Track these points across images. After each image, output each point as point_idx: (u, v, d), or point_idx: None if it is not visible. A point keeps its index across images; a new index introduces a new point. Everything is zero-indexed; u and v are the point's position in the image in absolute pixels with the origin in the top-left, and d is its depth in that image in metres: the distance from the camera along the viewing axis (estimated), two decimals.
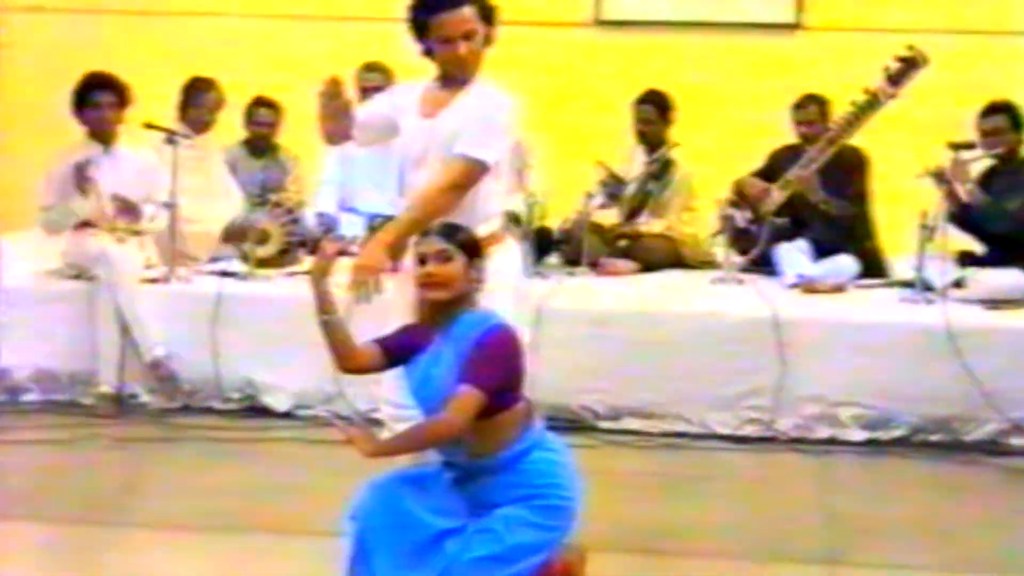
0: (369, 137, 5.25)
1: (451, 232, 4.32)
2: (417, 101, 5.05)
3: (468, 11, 4.90)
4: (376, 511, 4.26)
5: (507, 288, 4.85)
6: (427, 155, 4.96)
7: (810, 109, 8.13)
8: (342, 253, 4.63)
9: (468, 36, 4.91)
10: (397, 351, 4.38)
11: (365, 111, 5.23)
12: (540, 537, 4.19)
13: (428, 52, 5.01)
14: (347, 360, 4.41)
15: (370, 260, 4.76)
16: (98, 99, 7.65)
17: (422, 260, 4.29)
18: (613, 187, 8.46)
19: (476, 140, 4.84)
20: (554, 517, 4.22)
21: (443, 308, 4.30)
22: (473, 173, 4.85)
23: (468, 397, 4.10)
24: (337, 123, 5.13)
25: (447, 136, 4.90)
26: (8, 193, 9.28)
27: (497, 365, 4.19)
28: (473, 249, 4.33)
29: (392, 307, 4.90)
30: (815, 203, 7.95)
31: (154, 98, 8.12)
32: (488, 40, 4.99)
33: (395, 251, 4.83)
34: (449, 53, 4.90)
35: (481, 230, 4.64)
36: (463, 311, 4.29)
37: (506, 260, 4.92)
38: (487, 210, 4.93)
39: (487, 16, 4.96)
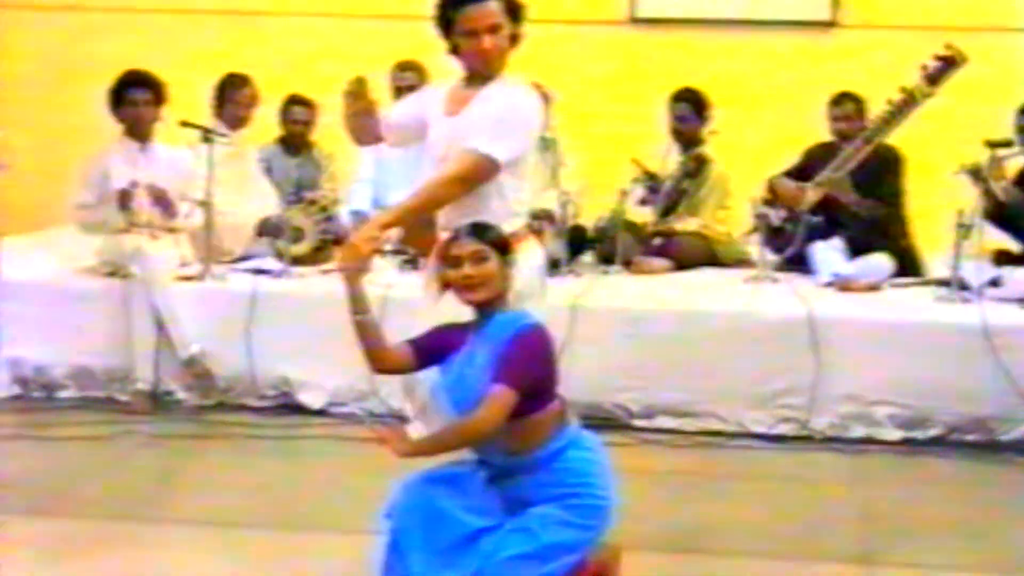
0: (399, 138, 5.23)
1: (482, 232, 4.33)
2: (442, 100, 5.03)
3: (494, 5, 4.87)
4: (411, 509, 4.27)
5: (532, 289, 4.84)
6: (449, 153, 4.93)
7: (847, 107, 8.09)
8: (376, 252, 4.62)
9: (493, 29, 4.87)
10: (430, 352, 4.39)
11: (395, 112, 5.22)
12: (575, 536, 4.20)
13: (454, 50, 4.98)
14: (379, 361, 4.42)
15: (362, 240, 4.76)
16: (135, 97, 7.68)
17: (456, 263, 4.29)
18: (648, 185, 8.44)
19: (489, 136, 4.78)
20: (589, 516, 4.22)
21: (477, 308, 4.30)
22: (482, 168, 4.78)
23: (501, 397, 4.10)
24: (361, 123, 5.14)
25: (466, 133, 4.87)
26: (8, 193, 9.32)
27: (530, 365, 4.20)
28: (504, 247, 4.34)
29: (421, 308, 4.91)
30: (846, 205, 7.91)
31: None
32: (514, 39, 4.95)
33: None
34: (474, 46, 4.86)
35: (504, 229, 4.63)
36: (497, 311, 4.29)
37: (529, 260, 4.89)
38: (510, 209, 4.90)
39: (513, 13, 4.92)
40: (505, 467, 4.29)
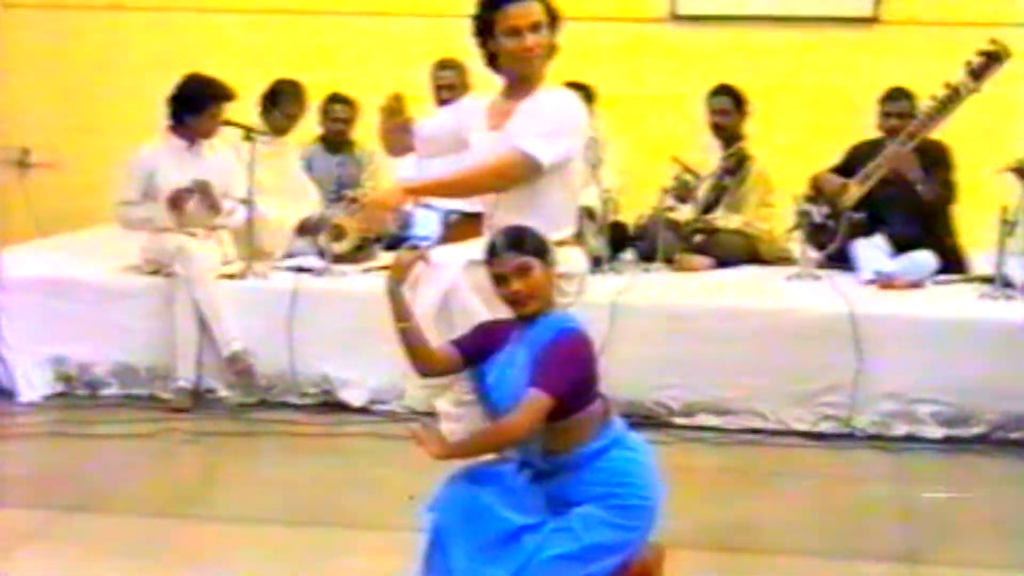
0: (431, 150, 5.21)
1: (520, 243, 4.29)
2: (484, 114, 5.01)
3: (536, 4, 4.85)
4: (454, 505, 4.27)
5: (573, 295, 4.85)
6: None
7: (901, 103, 8.02)
8: (420, 259, 4.63)
9: (536, 28, 4.83)
10: (473, 352, 4.39)
11: (430, 124, 5.20)
12: (618, 537, 4.19)
13: (492, 61, 4.96)
14: (425, 364, 4.43)
15: (385, 197, 4.75)
16: (212, 110, 7.61)
17: (502, 280, 4.28)
18: (684, 184, 8.40)
19: (535, 136, 4.76)
20: (632, 517, 4.21)
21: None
22: (522, 166, 4.76)
23: (536, 401, 4.09)
24: (397, 139, 5.14)
25: (511, 142, 4.84)
26: (54, 191, 9.40)
27: (567, 369, 4.18)
28: (543, 250, 4.32)
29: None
30: (911, 182, 7.82)
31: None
32: (551, 50, 4.95)
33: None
34: (516, 46, 4.82)
35: (552, 238, 4.61)
36: (543, 313, 4.29)
37: (569, 268, 4.85)
38: (560, 220, 4.89)
39: (552, 21, 4.90)
40: (546, 467, 4.29)
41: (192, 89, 7.68)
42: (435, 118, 5.32)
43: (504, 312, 4.42)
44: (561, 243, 4.75)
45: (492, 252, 4.31)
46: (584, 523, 4.17)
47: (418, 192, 4.86)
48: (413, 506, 4.40)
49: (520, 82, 4.93)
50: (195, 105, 7.66)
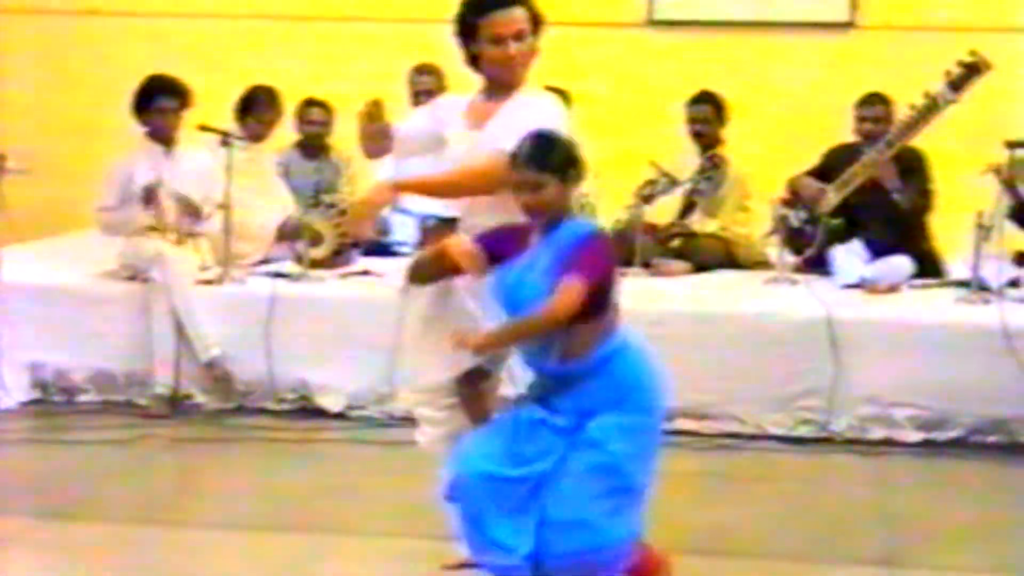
0: (408, 150, 5.21)
1: (541, 158, 4.38)
2: (463, 113, 5.00)
3: (520, 12, 4.84)
4: (472, 487, 4.33)
5: None
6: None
7: (877, 108, 8.04)
8: (382, 207, 4.72)
9: (519, 36, 4.84)
10: (496, 251, 4.44)
11: (406, 126, 5.19)
12: (638, 443, 4.31)
13: (473, 61, 4.95)
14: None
15: (372, 195, 4.77)
16: (162, 105, 7.70)
17: (518, 187, 4.39)
18: (652, 182, 8.36)
19: (517, 139, 4.70)
20: (646, 421, 4.33)
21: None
22: (506, 169, 4.67)
23: (573, 286, 4.20)
24: (377, 143, 5.15)
25: (493, 144, 4.79)
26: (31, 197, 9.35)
27: (598, 261, 4.32)
28: (566, 166, 4.39)
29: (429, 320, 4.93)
30: (889, 190, 7.84)
31: None
32: (534, 51, 4.95)
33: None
34: (499, 54, 4.82)
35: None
36: (564, 220, 4.39)
37: None
38: None
39: (536, 23, 4.91)
40: (559, 374, 4.32)
41: (141, 88, 7.75)
42: (411, 118, 5.31)
43: (496, 318, 4.50)
44: None
45: (515, 159, 4.41)
46: (604, 432, 4.27)
47: (405, 189, 4.86)
48: (390, 511, 4.42)
49: (500, 84, 4.94)
50: (143, 103, 7.72)
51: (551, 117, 4.86)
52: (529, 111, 4.83)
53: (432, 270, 4.64)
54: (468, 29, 4.90)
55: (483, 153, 4.79)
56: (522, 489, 4.29)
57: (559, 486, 4.28)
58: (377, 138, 5.14)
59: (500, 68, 4.89)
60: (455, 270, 4.54)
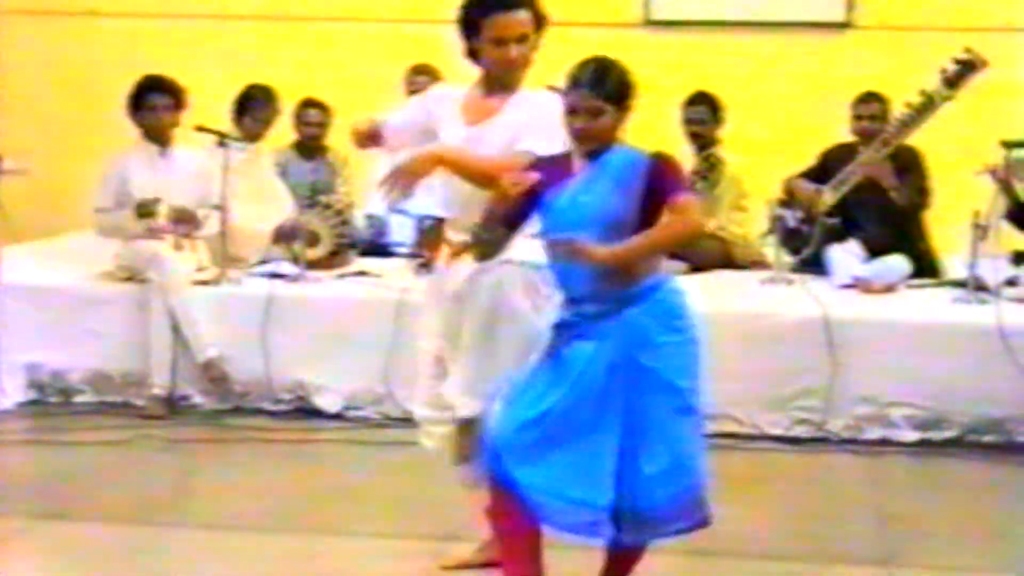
0: (401, 142, 5.19)
1: (602, 83, 4.37)
2: (459, 108, 4.99)
3: (524, 14, 4.85)
4: (524, 439, 4.29)
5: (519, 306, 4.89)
6: None
7: (873, 106, 8.04)
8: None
9: (521, 40, 4.84)
10: (536, 201, 4.41)
11: (397, 117, 5.20)
12: (695, 372, 4.44)
13: (473, 54, 4.95)
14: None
15: (416, 165, 4.78)
16: (154, 102, 7.70)
17: (572, 112, 4.37)
18: None
19: (541, 136, 4.71)
20: (696, 350, 4.45)
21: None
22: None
23: (690, 200, 4.35)
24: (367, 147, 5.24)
25: (498, 147, 4.82)
26: (28, 197, 9.35)
27: (681, 176, 4.46)
28: (624, 94, 4.42)
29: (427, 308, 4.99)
30: (886, 189, 7.84)
31: None
32: (533, 51, 4.96)
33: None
34: (501, 55, 4.83)
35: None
36: (614, 146, 4.40)
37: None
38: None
39: (539, 23, 4.91)
40: (612, 299, 4.31)
41: (135, 87, 7.76)
42: (404, 110, 5.31)
43: (544, 321, 4.56)
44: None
45: (574, 82, 4.38)
46: (671, 372, 4.34)
47: (448, 164, 4.84)
48: (388, 512, 4.42)
49: (499, 82, 4.94)
50: (136, 102, 7.73)
51: (555, 113, 4.86)
52: (533, 108, 4.84)
53: (498, 231, 4.54)
54: (471, 24, 4.90)
55: (509, 152, 4.76)
56: (575, 422, 4.27)
57: (648, 438, 4.29)
58: (370, 145, 5.17)
59: (500, 69, 4.90)
60: (517, 210, 4.47)
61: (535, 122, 4.79)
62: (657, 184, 4.30)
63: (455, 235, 4.95)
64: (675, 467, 4.33)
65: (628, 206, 4.31)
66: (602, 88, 4.35)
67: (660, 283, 4.40)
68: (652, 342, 4.33)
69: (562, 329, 4.41)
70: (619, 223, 4.30)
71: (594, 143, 4.38)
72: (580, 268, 4.30)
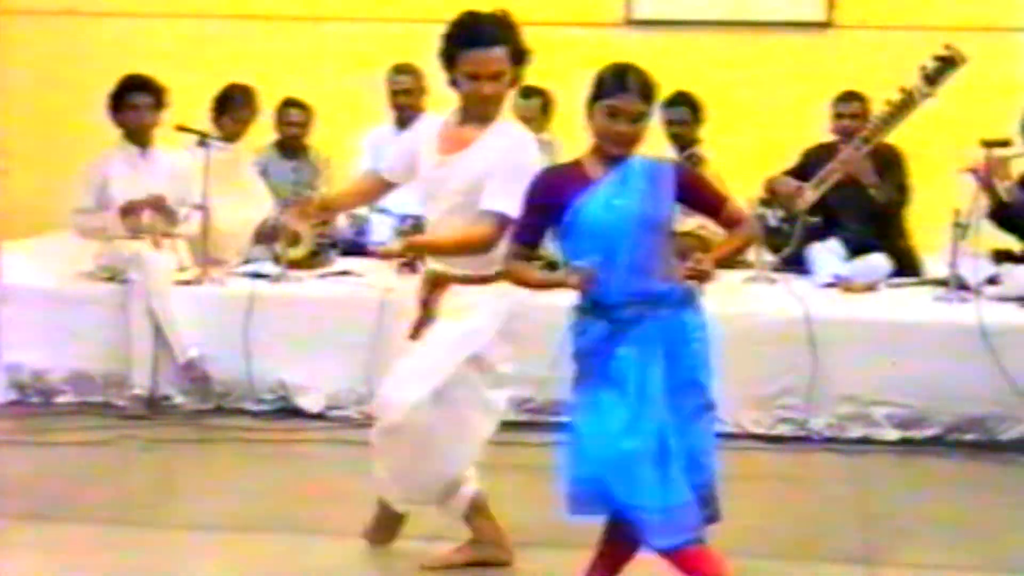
0: (403, 176, 5.30)
1: (647, 91, 4.46)
2: (436, 136, 5.06)
3: (500, 52, 4.90)
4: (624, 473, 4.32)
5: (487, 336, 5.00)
6: (440, 192, 5.00)
7: (853, 105, 8.07)
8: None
9: (496, 77, 4.92)
10: (553, 214, 4.44)
11: (392, 156, 5.31)
12: (710, 369, 4.56)
13: (453, 83, 5.01)
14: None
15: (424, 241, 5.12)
16: (135, 101, 7.69)
17: (615, 114, 4.40)
18: None
19: (504, 192, 4.81)
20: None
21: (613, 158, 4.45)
22: (505, 227, 4.83)
23: (742, 206, 4.64)
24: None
25: (468, 179, 4.92)
26: (9, 197, 9.33)
27: (718, 187, 4.71)
28: (653, 102, 4.51)
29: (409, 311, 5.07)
30: (866, 187, 7.86)
31: None
32: (514, 81, 5.01)
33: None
34: (473, 91, 4.92)
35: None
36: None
37: (491, 305, 5.00)
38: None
39: (518, 58, 4.96)
40: (655, 299, 4.40)
41: (115, 87, 7.75)
42: (397, 145, 5.37)
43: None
44: (484, 279, 4.94)
45: (621, 87, 4.42)
46: (697, 370, 4.47)
47: (424, 248, 5.13)
48: (369, 513, 4.40)
49: (474, 114, 4.99)
50: (116, 100, 7.71)
51: (529, 157, 4.91)
52: (509, 151, 4.90)
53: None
54: (448, 56, 4.96)
55: (477, 219, 4.89)
56: (647, 432, 4.33)
57: (679, 433, 4.38)
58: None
59: (472, 102, 4.98)
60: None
61: (504, 166, 4.87)
62: (691, 191, 4.49)
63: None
64: (690, 464, 4.38)
65: (664, 208, 4.43)
66: (647, 94, 4.45)
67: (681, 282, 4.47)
68: (687, 340, 4.43)
69: (597, 346, 4.41)
70: (659, 225, 4.43)
71: (633, 147, 4.43)
72: (618, 273, 4.34)
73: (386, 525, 5.33)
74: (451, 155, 4.98)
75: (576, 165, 4.48)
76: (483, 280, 4.94)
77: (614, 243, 4.36)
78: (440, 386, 4.93)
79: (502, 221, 4.82)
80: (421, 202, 5.24)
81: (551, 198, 4.44)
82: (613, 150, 4.41)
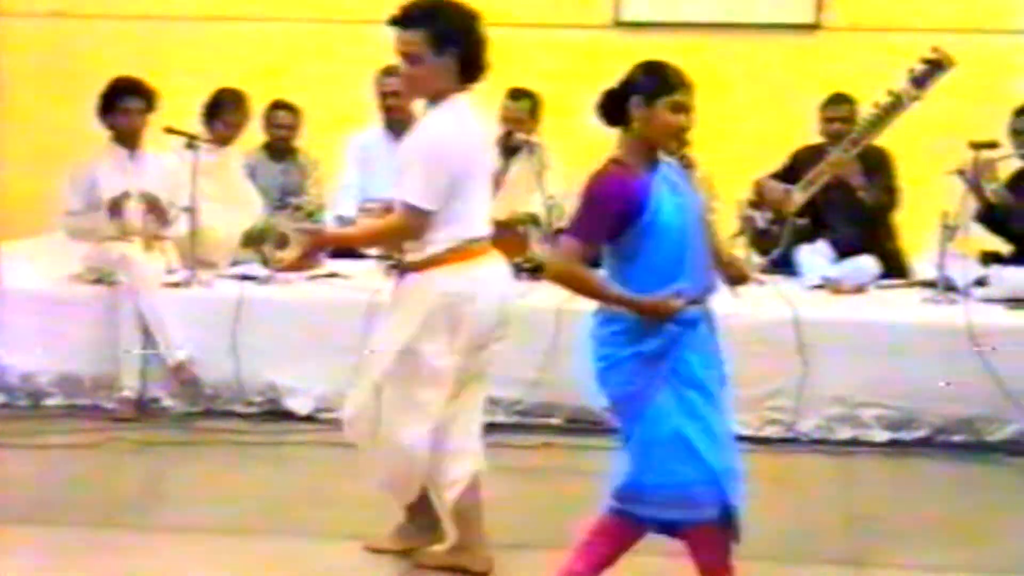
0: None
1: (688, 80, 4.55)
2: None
3: (411, 34, 4.93)
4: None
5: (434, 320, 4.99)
6: (394, 180, 5.06)
7: (842, 108, 8.09)
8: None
9: (409, 59, 4.95)
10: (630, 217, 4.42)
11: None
12: None
13: None
14: None
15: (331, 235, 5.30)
16: (127, 105, 7.68)
17: (679, 109, 4.57)
18: None
19: (414, 184, 4.88)
20: None
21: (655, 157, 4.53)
22: (415, 219, 4.88)
23: None
24: None
25: (398, 164, 5.03)
26: (8, 197, 9.32)
27: None
28: None
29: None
30: (855, 189, 7.88)
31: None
32: (465, 69, 4.99)
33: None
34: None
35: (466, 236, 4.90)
36: None
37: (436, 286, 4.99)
38: (474, 220, 5.04)
39: (441, 42, 4.92)
40: (710, 293, 4.56)
41: (106, 89, 7.73)
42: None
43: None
44: (431, 260, 4.94)
45: (682, 83, 4.61)
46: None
47: (327, 243, 5.54)
48: (358, 515, 4.39)
49: (413, 96, 5.20)
50: (107, 103, 7.70)
51: (434, 146, 4.95)
52: (416, 147, 4.99)
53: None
54: None
55: (396, 209, 4.98)
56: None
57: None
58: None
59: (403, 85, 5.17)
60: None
61: (405, 151, 5.02)
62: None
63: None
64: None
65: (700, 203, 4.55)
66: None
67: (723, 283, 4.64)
68: (717, 330, 4.60)
69: (669, 348, 4.42)
70: (703, 220, 4.51)
71: (684, 138, 4.56)
72: (690, 272, 4.40)
73: (409, 533, 5.33)
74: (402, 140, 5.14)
75: (625, 166, 4.47)
76: (416, 268, 4.96)
77: (688, 241, 4.40)
78: (379, 379, 5.05)
79: (407, 209, 4.88)
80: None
81: (628, 202, 4.39)
82: (673, 146, 4.48)
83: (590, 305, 4.54)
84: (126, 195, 7.58)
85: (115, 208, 7.56)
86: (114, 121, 7.72)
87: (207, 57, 10.10)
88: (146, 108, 7.72)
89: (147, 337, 7.36)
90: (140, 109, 7.70)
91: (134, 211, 7.64)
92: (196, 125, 8.10)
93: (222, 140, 8.28)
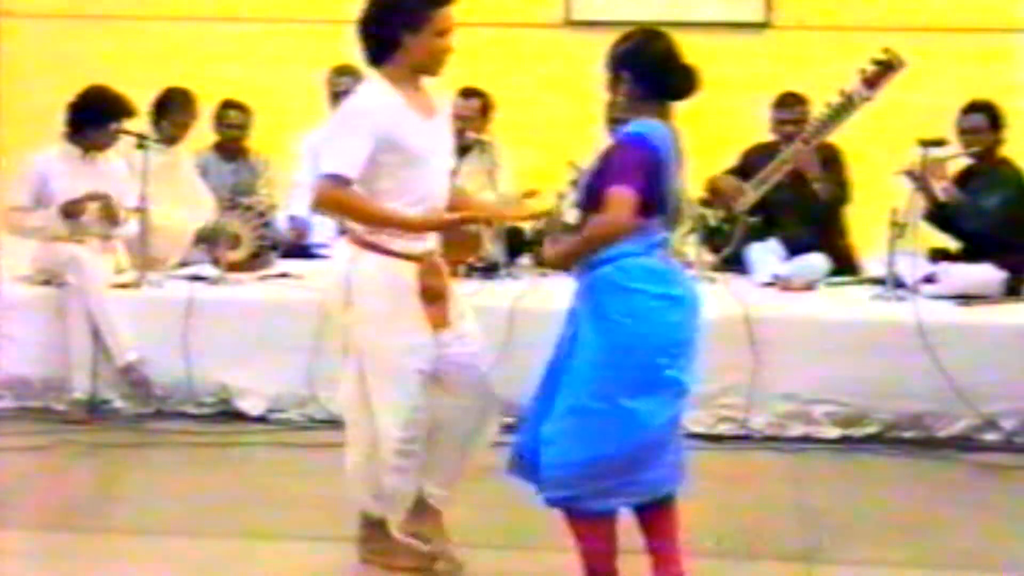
0: (373, 174, 5.09)
1: None
2: (405, 104, 5.00)
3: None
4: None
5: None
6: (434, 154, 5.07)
7: (795, 109, 8.13)
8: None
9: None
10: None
11: (360, 156, 5.01)
12: None
13: (394, 47, 4.97)
14: None
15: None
16: (116, 126, 7.63)
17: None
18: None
19: (326, 155, 4.98)
20: None
21: None
22: (331, 187, 4.90)
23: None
24: None
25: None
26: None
27: None
28: None
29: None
30: (811, 180, 7.91)
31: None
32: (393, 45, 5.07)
33: None
34: (443, 47, 5.01)
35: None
36: None
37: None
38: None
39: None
40: None
41: (96, 102, 7.67)
42: (359, 146, 5.14)
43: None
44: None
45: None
46: None
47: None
48: (311, 515, 4.37)
49: (424, 74, 5.13)
50: (97, 119, 7.63)
51: (344, 116, 5.03)
52: (333, 120, 5.20)
53: None
54: (418, 17, 5.01)
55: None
56: None
57: None
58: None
59: (434, 61, 5.10)
60: None
61: (326, 139, 5.09)
62: None
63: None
64: None
65: None
66: None
67: None
68: None
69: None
70: None
71: None
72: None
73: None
74: (431, 119, 5.13)
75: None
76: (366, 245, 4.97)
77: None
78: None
79: (328, 180, 4.90)
80: (419, 169, 5.13)
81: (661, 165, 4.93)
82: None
83: (542, 305, 4.56)
84: (90, 197, 7.52)
85: (72, 211, 7.51)
86: (94, 136, 7.65)
87: (154, 57, 10.05)
88: (116, 121, 7.69)
89: (97, 338, 7.32)
90: (119, 129, 7.67)
91: (90, 212, 7.59)
92: (143, 126, 8.06)
93: (170, 139, 8.25)
